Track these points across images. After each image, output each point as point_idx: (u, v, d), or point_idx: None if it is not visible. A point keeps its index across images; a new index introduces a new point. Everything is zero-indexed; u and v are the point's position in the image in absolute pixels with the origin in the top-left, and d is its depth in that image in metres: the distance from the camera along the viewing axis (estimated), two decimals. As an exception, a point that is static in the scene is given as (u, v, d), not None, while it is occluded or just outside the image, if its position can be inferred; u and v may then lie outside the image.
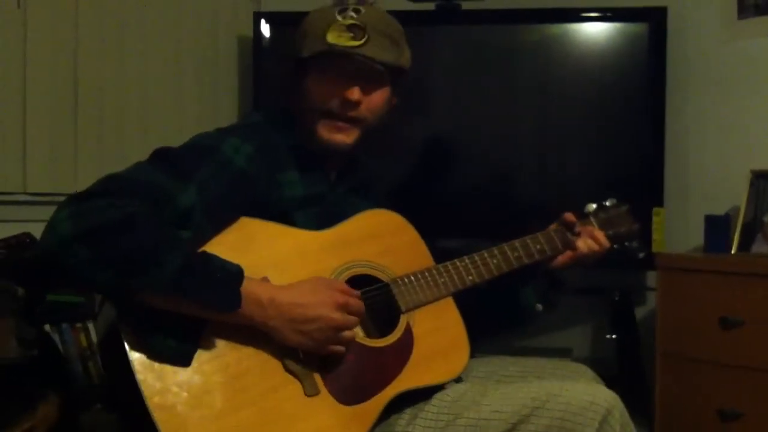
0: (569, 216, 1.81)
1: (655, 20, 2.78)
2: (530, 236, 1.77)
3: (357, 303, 1.51)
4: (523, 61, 2.91)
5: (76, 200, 1.37)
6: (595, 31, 2.86)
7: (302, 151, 1.65)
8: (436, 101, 2.94)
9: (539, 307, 1.82)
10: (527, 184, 2.93)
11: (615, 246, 1.85)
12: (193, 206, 1.43)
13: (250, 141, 1.56)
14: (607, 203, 1.87)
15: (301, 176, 1.62)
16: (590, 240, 1.79)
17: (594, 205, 1.86)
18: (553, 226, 1.81)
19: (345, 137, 1.64)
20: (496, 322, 1.89)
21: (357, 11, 1.63)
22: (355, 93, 1.61)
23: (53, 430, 1.88)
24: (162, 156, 1.49)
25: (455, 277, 1.68)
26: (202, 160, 1.49)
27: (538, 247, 1.77)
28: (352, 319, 1.50)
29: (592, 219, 1.84)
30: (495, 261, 1.72)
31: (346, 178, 1.74)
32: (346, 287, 1.52)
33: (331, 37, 1.59)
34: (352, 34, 1.60)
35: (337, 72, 1.62)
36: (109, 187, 1.40)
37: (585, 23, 2.85)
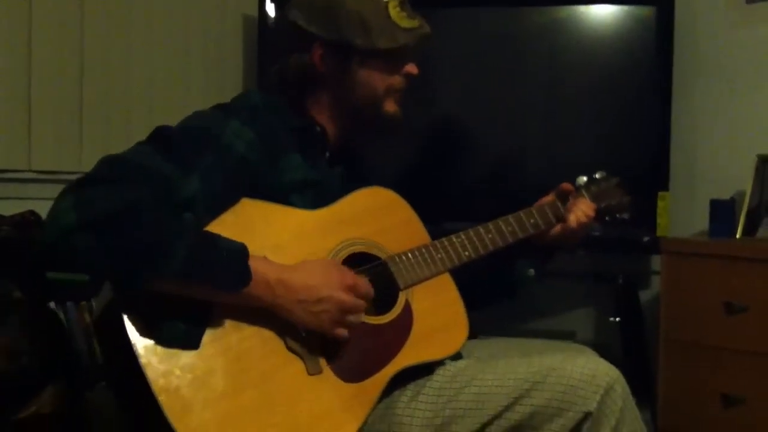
0: (566, 185, 1.81)
1: (663, 4, 2.76)
2: (524, 210, 1.77)
3: (365, 285, 1.51)
4: (529, 44, 2.89)
5: (78, 188, 1.34)
6: (602, 14, 2.84)
7: (301, 134, 1.63)
8: (440, 84, 2.92)
9: (531, 272, 1.82)
10: (533, 167, 2.92)
11: (606, 218, 1.85)
12: (195, 195, 1.42)
13: (251, 125, 1.53)
14: (597, 176, 1.87)
15: (303, 159, 1.60)
16: (580, 212, 1.78)
17: (585, 178, 1.85)
18: (545, 200, 1.81)
19: (400, 108, 1.70)
20: (490, 292, 1.88)
21: None
22: (416, 68, 1.68)
23: (59, 410, 1.88)
24: (163, 139, 1.47)
25: (452, 252, 1.68)
26: (204, 146, 1.47)
27: (532, 221, 1.77)
28: (361, 302, 1.50)
29: (583, 191, 1.84)
30: (490, 236, 1.72)
31: (339, 160, 1.72)
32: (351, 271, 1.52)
33: (404, 22, 1.63)
34: (407, 13, 1.64)
35: (406, 52, 1.67)
36: (111, 172, 1.38)
37: (592, 5, 2.83)
